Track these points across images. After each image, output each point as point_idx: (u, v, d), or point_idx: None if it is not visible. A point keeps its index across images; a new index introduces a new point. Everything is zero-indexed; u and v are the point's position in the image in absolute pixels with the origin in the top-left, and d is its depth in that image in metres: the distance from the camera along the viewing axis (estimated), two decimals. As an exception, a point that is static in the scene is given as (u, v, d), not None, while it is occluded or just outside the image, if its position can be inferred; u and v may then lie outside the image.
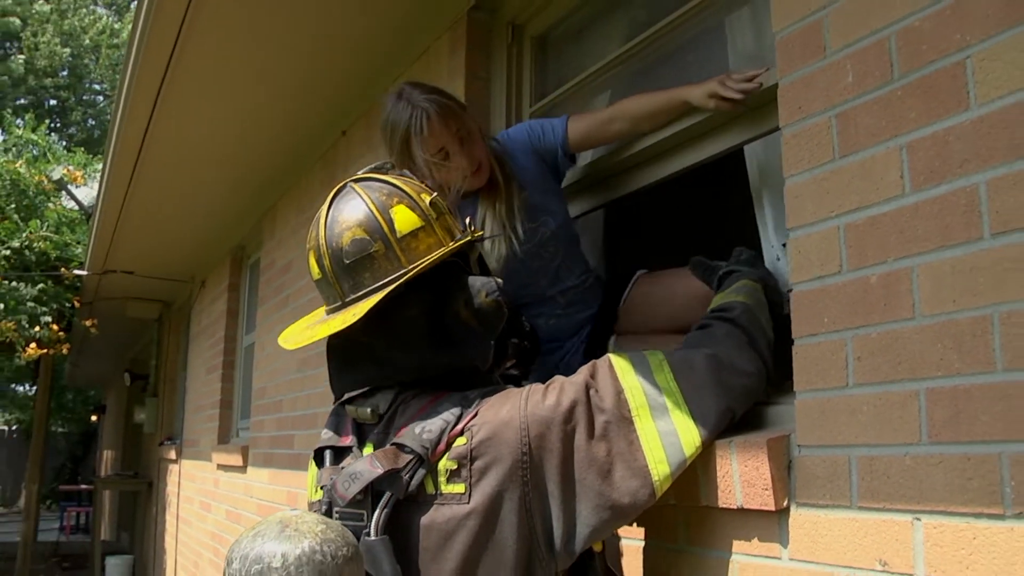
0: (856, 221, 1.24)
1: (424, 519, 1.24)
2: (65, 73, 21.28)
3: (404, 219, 1.35)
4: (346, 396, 1.39)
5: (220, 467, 5.68)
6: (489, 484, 1.22)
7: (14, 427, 21.26)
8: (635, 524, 1.59)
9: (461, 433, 1.26)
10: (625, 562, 1.61)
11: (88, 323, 7.60)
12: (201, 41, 3.16)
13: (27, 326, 6.56)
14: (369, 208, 1.35)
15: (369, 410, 1.35)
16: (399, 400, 1.35)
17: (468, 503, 1.22)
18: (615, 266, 2.44)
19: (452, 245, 1.37)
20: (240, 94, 3.71)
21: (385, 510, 1.24)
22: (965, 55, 1.11)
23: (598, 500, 1.23)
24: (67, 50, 20.26)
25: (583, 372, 1.33)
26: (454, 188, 1.94)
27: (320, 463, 1.41)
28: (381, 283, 1.33)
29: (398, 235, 1.34)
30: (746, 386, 1.36)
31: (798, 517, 1.27)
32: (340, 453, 1.38)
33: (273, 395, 4.53)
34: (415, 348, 1.35)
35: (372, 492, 1.26)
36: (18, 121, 8.00)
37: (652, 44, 2.16)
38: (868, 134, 1.24)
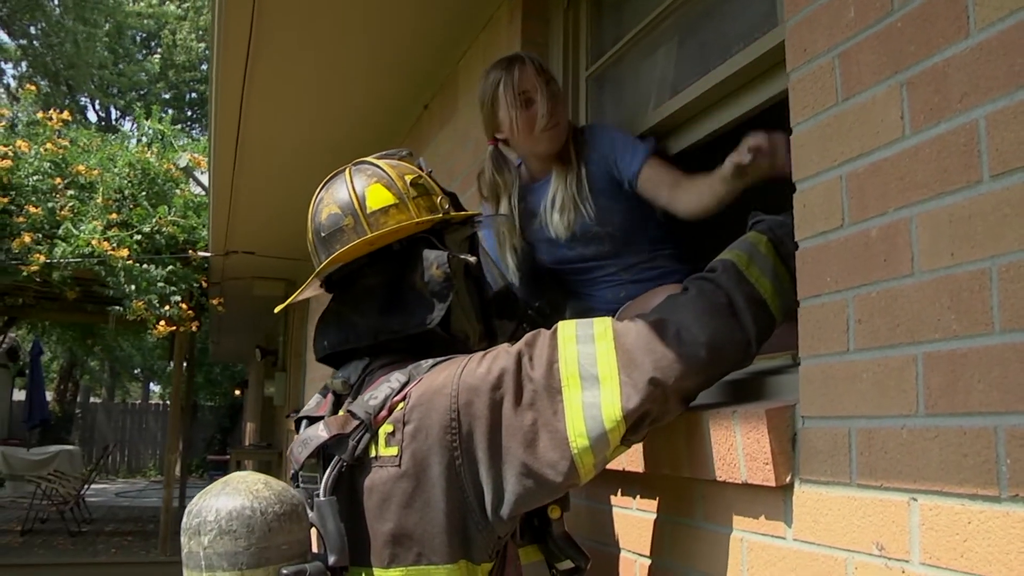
0: (857, 169, 1.12)
1: (367, 481, 1.28)
2: (204, 67, 22.42)
3: (376, 197, 1.42)
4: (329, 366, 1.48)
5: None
6: (419, 448, 1.24)
7: (167, 402, 22.87)
8: (657, 498, 1.53)
9: (403, 399, 1.29)
10: (642, 536, 1.54)
11: (215, 302, 8.00)
12: (274, 34, 3.24)
13: (157, 305, 6.97)
14: (348, 188, 1.44)
15: (341, 381, 1.42)
16: (368, 371, 1.41)
17: (400, 466, 1.25)
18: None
19: (415, 220, 1.42)
20: (316, 77, 3.77)
21: (332, 472, 1.28)
22: (965, -26, 0.98)
23: (521, 469, 1.21)
24: (203, 44, 21.33)
25: (523, 340, 1.30)
26: (534, 132, 2.00)
27: (298, 432, 1.45)
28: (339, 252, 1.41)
29: (368, 211, 1.41)
30: (691, 357, 1.22)
31: (801, 495, 1.18)
32: (314, 422, 1.41)
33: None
34: (369, 313, 1.42)
35: (324, 456, 1.32)
36: (161, 113, 8.44)
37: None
38: (870, 72, 1.11)
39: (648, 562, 1.53)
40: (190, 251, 7.59)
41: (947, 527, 0.95)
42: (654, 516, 1.53)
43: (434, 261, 1.39)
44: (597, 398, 1.21)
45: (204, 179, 8.11)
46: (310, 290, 1.54)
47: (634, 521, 1.60)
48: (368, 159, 1.51)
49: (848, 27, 1.15)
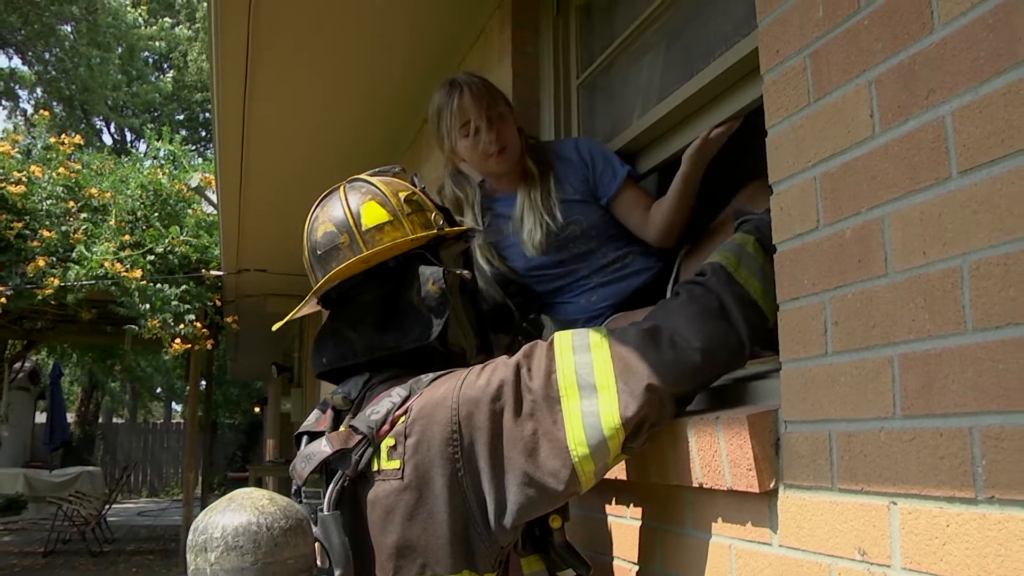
0: (831, 170, 1.11)
1: (370, 494, 1.29)
2: (216, 86, 22.57)
3: (371, 214, 1.43)
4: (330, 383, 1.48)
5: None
6: (420, 460, 1.25)
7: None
8: (649, 506, 1.52)
9: (405, 413, 1.30)
10: (634, 545, 1.53)
11: (230, 319, 8.05)
12: (271, 54, 3.27)
13: (172, 324, 7.03)
14: (342, 205, 1.45)
15: (341, 396, 1.42)
16: (367, 386, 1.41)
17: (402, 479, 1.26)
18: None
19: (410, 237, 1.42)
20: (317, 94, 3.79)
21: (336, 487, 1.30)
22: (928, -31, 0.96)
23: (523, 478, 1.22)
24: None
25: (521, 351, 1.30)
26: (480, 165, 2.05)
27: (298, 447, 1.45)
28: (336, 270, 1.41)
29: (363, 228, 1.42)
30: (686, 362, 1.23)
31: (786, 500, 1.16)
32: (314, 438, 1.42)
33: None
34: (365, 330, 1.43)
35: (327, 471, 1.32)
36: (173, 134, 8.51)
37: (679, 1, 2.03)
38: (839, 72, 1.10)
39: (641, 570, 1.51)
40: (203, 270, 7.63)
41: (926, 531, 0.93)
42: (646, 524, 1.52)
43: (430, 277, 1.40)
44: (595, 406, 1.21)
45: (215, 197, 8.18)
46: (307, 307, 1.55)
47: (627, 530, 1.58)
48: (362, 176, 1.52)
49: (817, 26, 1.14)
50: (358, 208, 1.43)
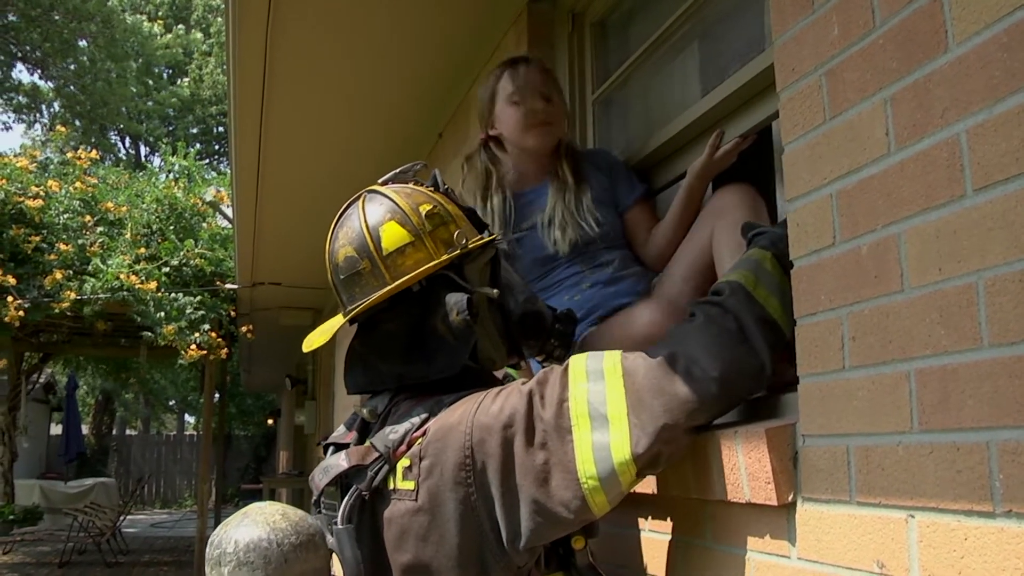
0: (847, 187, 1.12)
1: (387, 512, 1.31)
2: (230, 100, 22.74)
3: (392, 236, 1.38)
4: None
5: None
6: (434, 483, 1.26)
7: (201, 432, 22.96)
8: (668, 519, 1.53)
9: (423, 434, 1.31)
10: (653, 558, 1.54)
11: (244, 329, 8.09)
12: (288, 69, 3.30)
13: (187, 331, 7.10)
14: (361, 227, 1.40)
15: (369, 410, 1.43)
16: (394, 402, 1.42)
17: (416, 500, 1.27)
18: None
19: (434, 262, 1.38)
20: (333, 110, 3.83)
21: (349, 501, 1.31)
22: (942, -10, 0.98)
23: (534, 506, 1.22)
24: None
25: (535, 378, 1.29)
26: (525, 127, 2.04)
27: (326, 456, 1.47)
28: (361, 301, 1.40)
29: (384, 253, 1.38)
30: (703, 395, 1.19)
31: (804, 513, 1.17)
32: (340, 449, 1.43)
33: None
34: (392, 360, 1.42)
35: (343, 485, 1.35)
36: (187, 149, 8.62)
37: (693, 16, 2.05)
38: (855, 90, 1.12)
39: (660, 584, 1.52)
40: (217, 283, 7.69)
41: (944, 544, 0.94)
42: (666, 537, 1.53)
43: (454, 307, 1.36)
44: (607, 438, 1.20)
45: (230, 212, 8.25)
46: (333, 326, 1.50)
47: (647, 542, 1.59)
48: (381, 188, 1.46)
49: (833, 45, 1.16)
50: (377, 229, 1.38)
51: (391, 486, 1.31)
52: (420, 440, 1.30)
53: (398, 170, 1.53)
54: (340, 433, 1.48)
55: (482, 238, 1.46)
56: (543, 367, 1.57)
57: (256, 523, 1.21)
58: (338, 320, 1.48)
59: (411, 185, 1.49)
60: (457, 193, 1.53)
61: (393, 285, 1.36)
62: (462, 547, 1.24)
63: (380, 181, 1.51)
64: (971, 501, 0.91)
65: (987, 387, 0.90)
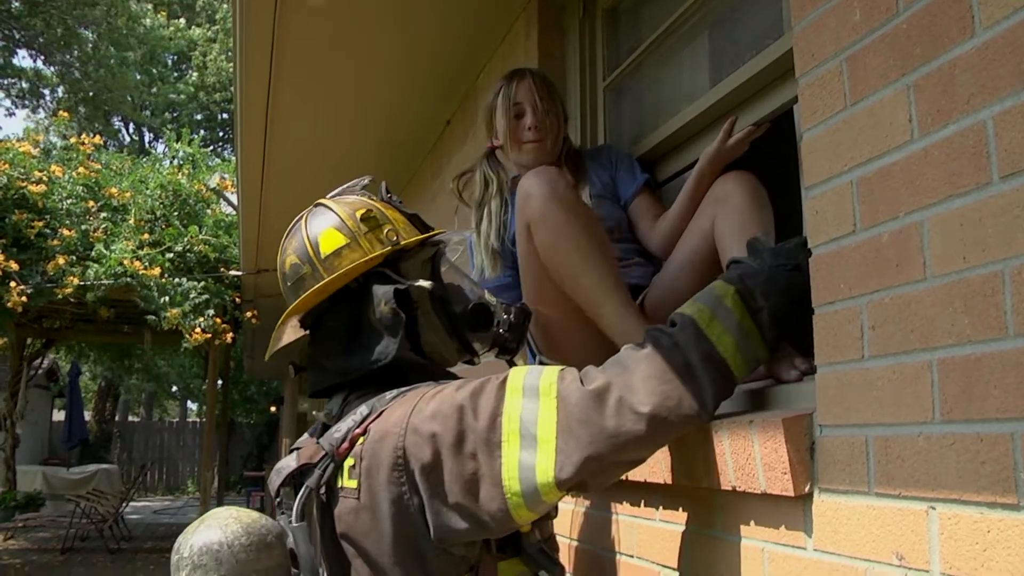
0: (868, 174, 1.11)
1: (337, 509, 1.37)
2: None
3: (328, 241, 1.46)
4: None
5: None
6: (372, 484, 1.31)
7: (204, 420, 23.00)
8: (680, 509, 1.52)
9: (364, 433, 1.35)
10: (665, 548, 1.53)
11: (249, 314, 8.09)
12: (296, 55, 3.28)
13: (192, 316, 7.10)
14: (303, 237, 1.49)
15: (324, 414, 1.49)
16: (346, 402, 1.46)
17: (359, 499, 1.32)
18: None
19: (364, 259, 1.44)
20: (340, 96, 3.82)
21: (301, 499, 1.37)
22: (969, -26, 0.96)
23: (462, 512, 1.26)
24: (232, 65, 21.54)
25: (469, 387, 1.31)
26: (519, 143, 2.12)
27: None
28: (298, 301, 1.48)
29: (322, 256, 1.45)
30: (627, 434, 1.19)
31: (820, 504, 1.16)
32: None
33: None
34: (334, 355, 1.47)
35: (296, 484, 1.41)
36: (191, 135, 8.60)
37: (706, 3, 2.03)
38: (877, 76, 1.10)
39: (670, 573, 1.52)
40: (221, 269, 7.69)
41: (967, 536, 0.93)
42: (675, 527, 1.52)
43: (382, 298, 1.42)
44: (533, 459, 1.23)
45: (234, 199, 8.23)
46: (289, 332, 1.57)
47: (656, 532, 1.59)
48: (324, 201, 1.54)
49: (854, 30, 1.14)
50: (316, 236, 1.47)
51: (339, 484, 1.36)
52: (362, 439, 1.34)
53: (346, 185, 1.61)
54: (303, 440, 1.52)
55: (416, 237, 1.52)
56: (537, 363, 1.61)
57: (210, 527, 1.27)
58: (284, 323, 1.55)
59: (356, 195, 1.57)
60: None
61: (326, 280, 1.43)
62: (398, 543, 1.29)
63: (328, 195, 1.58)
64: (995, 493, 0.90)
65: (1012, 377, 0.89)
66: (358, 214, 1.48)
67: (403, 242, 1.48)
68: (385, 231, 1.47)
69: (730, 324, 1.27)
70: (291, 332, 1.55)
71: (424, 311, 1.48)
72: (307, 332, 1.54)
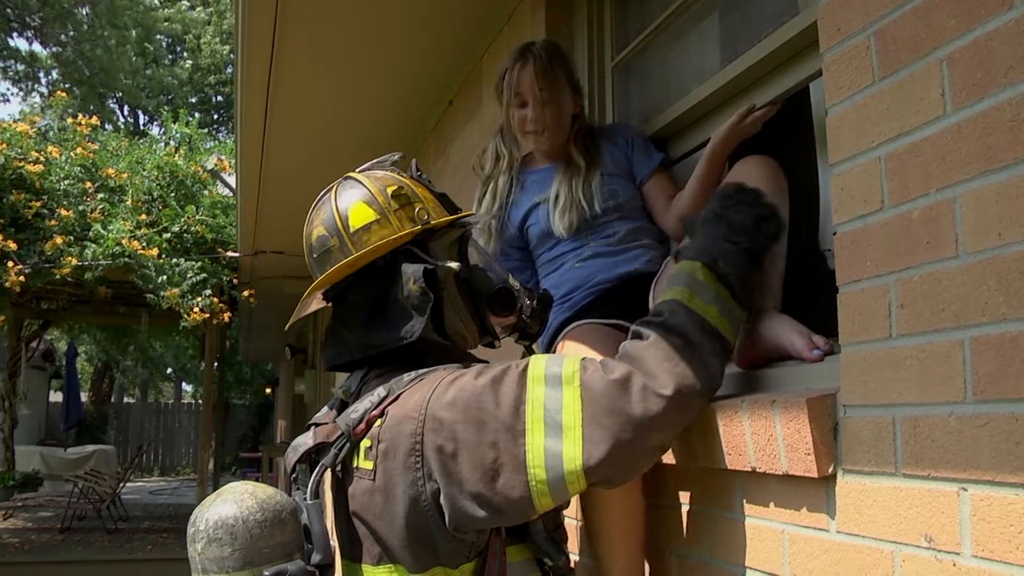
0: (897, 150, 1.09)
1: (351, 489, 1.37)
2: (230, 70, 22.53)
3: (358, 215, 1.45)
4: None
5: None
6: (388, 466, 1.31)
7: (199, 401, 22.99)
8: (697, 490, 1.51)
9: (380, 415, 1.35)
10: (682, 529, 1.52)
11: (247, 294, 8.05)
12: (299, 35, 3.24)
13: (190, 296, 7.08)
14: (333, 209, 1.47)
15: (343, 390, 1.48)
16: (364, 380, 1.45)
17: (375, 480, 1.32)
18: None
19: (393, 237, 1.42)
20: (342, 73, 3.76)
21: (316, 477, 1.38)
22: (1009, -57, 0.94)
23: (480, 499, 1.24)
24: (227, 48, 21.44)
25: (488, 375, 1.30)
26: (519, 138, 2.11)
27: None
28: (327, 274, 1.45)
29: (351, 230, 1.44)
30: (657, 413, 1.22)
31: (844, 485, 1.15)
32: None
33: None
34: (356, 329, 1.46)
35: (312, 462, 1.41)
36: (188, 117, 8.54)
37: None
38: (907, 50, 1.08)
39: (685, 555, 1.51)
40: (219, 250, 7.65)
41: (1000, 518, 0.92)
42: (691, 508, 1.51)
43: (411, 276, 1.40)
44: (559, 447, 1.23)
45: (231, 180, 8.19)
46: (314, 304, 1.57)
47: (670, 514, 1.57)
48: (354, 174, 1.53)
49: (884, 3, 1.12)
50: (346, 210, 1.45)
51: (355, 464, 1.36)
52: (379, 421, 1.34)
53: (376, 160, 1.59)
54: (322, 414, 1.51)
55: (447, 218, 1.51)
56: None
57: (226, 502, 1.29)
58: (309, 294, 1.53)
59: (385, 171, 1.55)
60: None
61: (356, 255, 1.42)
62: (409, 527, 1.29)
63: (358, 169, 1.56)
64: (1030, 474, 0.88)
65: (1050, 356, 0.87)
66: (389, 190, 1.47)
67: (433, 221, 1.46)
68: (416, 209, 1.46)
69: (709, 296, 1.33)
70: (316, 303, 1.54)
71: (450, 292, 1.47)
72: (329, 304, 1.53)
